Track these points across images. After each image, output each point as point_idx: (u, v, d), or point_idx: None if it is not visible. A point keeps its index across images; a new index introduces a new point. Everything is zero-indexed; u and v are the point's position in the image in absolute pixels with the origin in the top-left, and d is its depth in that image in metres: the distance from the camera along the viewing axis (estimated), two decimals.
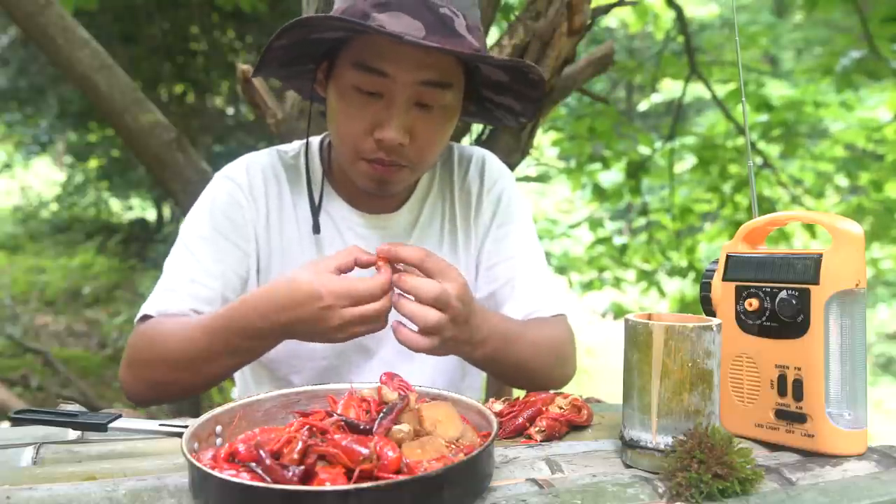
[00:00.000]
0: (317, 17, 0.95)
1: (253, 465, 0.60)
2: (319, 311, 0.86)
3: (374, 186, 1.08)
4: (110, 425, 0.75)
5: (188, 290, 1.08)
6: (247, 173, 1.15)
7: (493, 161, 1.28)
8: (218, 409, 0.75)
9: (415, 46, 0.94)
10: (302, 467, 0.60)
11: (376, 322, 0.89)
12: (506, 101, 1.13)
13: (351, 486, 0.57)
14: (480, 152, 1.28)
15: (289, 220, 1.16)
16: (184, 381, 1.02)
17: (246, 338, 0.94)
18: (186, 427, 0.70)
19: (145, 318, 1.07)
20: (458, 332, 0.91)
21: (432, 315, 0.88)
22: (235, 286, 1.12)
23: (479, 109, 1.18)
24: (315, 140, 1.22)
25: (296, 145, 1.22)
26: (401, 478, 0.59)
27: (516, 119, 1.17)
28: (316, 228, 1.14)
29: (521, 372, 1.10)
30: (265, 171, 1.16)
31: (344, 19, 0.94)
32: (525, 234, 1.25)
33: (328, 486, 0.58)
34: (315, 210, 1.14)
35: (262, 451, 0.61)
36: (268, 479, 0.59)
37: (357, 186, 1.11)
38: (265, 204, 1.15)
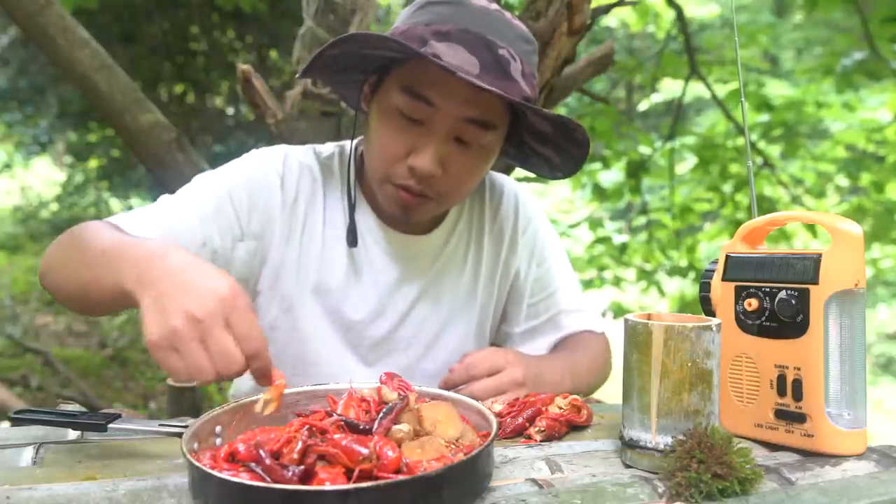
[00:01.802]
0: (374, 35, 0.93)
1: (253, 464, 0.60)
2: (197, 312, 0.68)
3: (398, 211, 1.06)
4: (110, 425, 0.75)
5: (172, 229, 0.99)
6: (284, 163, 1.11)
7: (525, 198, 1.28)
8: (218, 409, 0.75)
9: (465, 82, 0.92)
10: (302, 467, 0.60)
11: (203, 373, 0.68)
12: (546, 152, 1.11)
13: (350, 485, 0.57)
14: (512, 187, 1.27)
15: (316, 221, 1.12)
16: (70, 274, 0.89)
17: (128, 265, 0.75)
18: (186, 427, 0.70)
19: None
20: (538, 389, 1.01)
21: (512, 396, 0.98)
22: (205, 255, 1.02)
23: (518, 153, 1.16)
24: (348, 145, 1.19)
25: (330, 147, 1.19)
26: (400, 478, 0.59)
27: (552, 172, 1.14)
28: (353, 241, 1.12)
29: (586, 390, 1.18)
30: (302, 166, 1.13)
31: (401, 42, 0.92)
32: (561, 265, 1.30)
33: (328, 486, 0.58)
34: (352, 224, 1.12)
35: (261, 451, 0.61)
36: (267, 478, 0.59)
37: None
38: (294, 198, 1.10)
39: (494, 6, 1.01)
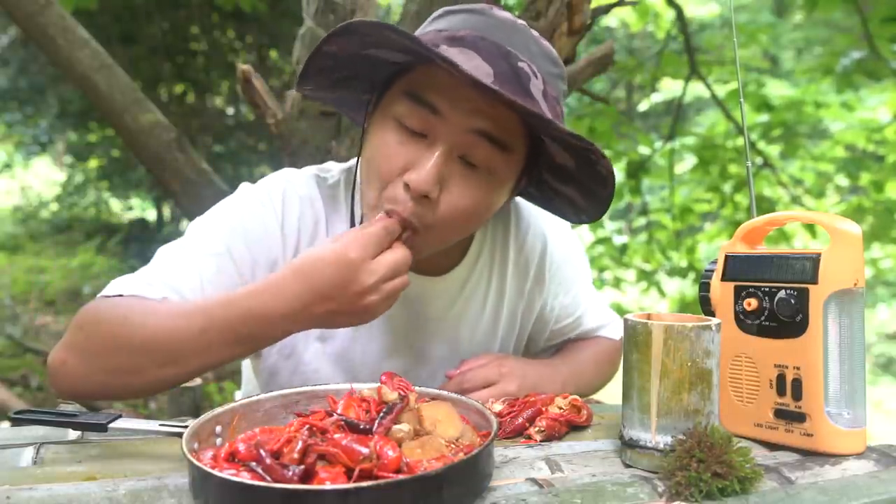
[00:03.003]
0: (374, 23, 0.82)
1: (253, 464, 0.60)
2: (363, 291, 0.81)
3: None
4: (110, 425, 0.75)
5: (167, 295, 0.91)
6: (283, 204, 1.01)
7: (555, 238, 1.15)
8: (218, 409, 0.75)
9: (475, 89, 0.83)
10: (302, 467, 0.60)
11: (397, 295, 0.85)
12: (569, 192, 0.99)
13: (351, 485, 0.57)
14: (539, 219, 1.14)
15: None
16: (162, 373, 0.83)
17: (261, 325, 0.81)
18: (186, 427, 0.70)
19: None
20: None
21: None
22: None
23: (539, 193, 1.05)
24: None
25: (335, 171, 1.08)
26: (401, 477, 0.59)
27: (578, 216, 1.02)
28: None
29: (589, 391, 1.17)
30: (303, 200, 1.02)
31: (402, 32, 0.80)
32: (587, 288, 1.24)
33: (328, 486, 0.58)
34: None
35: (262, 451, 0.61)
36: (268, 478, 0.59)
37: None
38: (296, 243, 1.01)
39: (522, 22, 0.91)
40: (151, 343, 0.83)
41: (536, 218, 1.15)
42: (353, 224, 1.01)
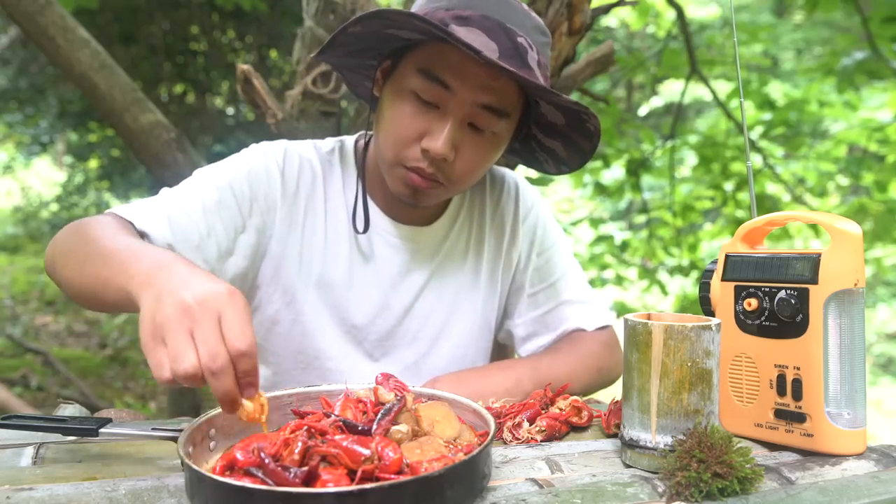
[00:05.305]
0: (400, 12, 0.92)
1: (254, 469, 0.60)
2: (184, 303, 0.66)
3: (408, 194, 1.05)
4: (101, 430, 0.74)
5: (177, 220, 0.99)
6: (284, 156, 1.12)
7: (525, 187, 1.28)
8: (212, 412, 0.74)
9: (483, 67, 0.94)
10: (305, 468, 0.59)
11: (184, 361, 0.63)
12: (554, 144, 1.11)
13: (354, 486, 0.57)
14: (512, 177, 1.28)
15: (318, 214, 1.13)
16: (70, 272, 0.88)
17: (129, 276, 0.74)
18: (179, 431, 0.69)
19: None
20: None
21: None
22: (211, 246, 1.01)
23: (524, 148, 1.17)
24: (350, 140, 1.20)
25: (330, 142, 1.20)
26: (405, 478, 0.59)
27: (558, 166, 1.15)
28: (365, 227, 1.11)
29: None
30: (302, 160, 1.13)
31: (426, 20, 0.91)
32: (563, 255, 1.28)
33: (330, 488, 0.58)
34: (366, 209, 1.12)
35: (262, 454, 0.60)
36: (271, 482, 0.58)
37: (391, 193, 1.09)
38: (295, 192, 1.11)
39: None
40: (88, 240, 0.87)
41: (510, 179, 1.27)
42: (361, 176, 1.13)
